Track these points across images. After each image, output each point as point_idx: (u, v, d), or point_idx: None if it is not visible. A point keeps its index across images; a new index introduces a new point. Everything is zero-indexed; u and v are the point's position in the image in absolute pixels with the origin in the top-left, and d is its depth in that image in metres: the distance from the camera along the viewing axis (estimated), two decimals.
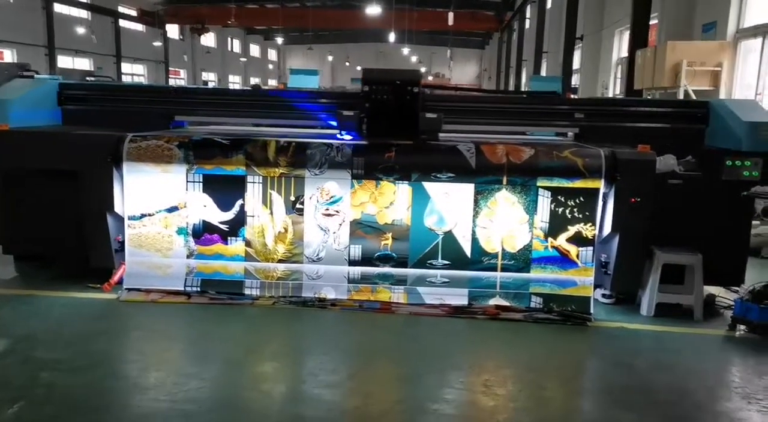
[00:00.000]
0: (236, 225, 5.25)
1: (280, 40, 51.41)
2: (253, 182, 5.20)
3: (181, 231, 5.27)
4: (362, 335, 4.76)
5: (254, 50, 59.01)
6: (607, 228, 5.12)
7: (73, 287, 5.37)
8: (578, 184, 5.03)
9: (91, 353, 4.17)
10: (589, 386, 4.10)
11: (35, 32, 30.41)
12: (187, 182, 5.21)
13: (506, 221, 5.13)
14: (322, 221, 5.21)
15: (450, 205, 5.14)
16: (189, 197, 5.23)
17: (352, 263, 5.24)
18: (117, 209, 5.28)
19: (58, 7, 32.04)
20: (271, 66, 60.84)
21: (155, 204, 5.25)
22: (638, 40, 11.57)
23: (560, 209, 5.08)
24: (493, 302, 5.18)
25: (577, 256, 5.12)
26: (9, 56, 29.55)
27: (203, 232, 5.27)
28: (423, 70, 50.48)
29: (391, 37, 37.08)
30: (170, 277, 5.30)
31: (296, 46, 60.24)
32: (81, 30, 32.51)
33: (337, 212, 5.20)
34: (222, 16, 36.67)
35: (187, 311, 5.04)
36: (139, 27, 38.79)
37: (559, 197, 5.07)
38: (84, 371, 3.90)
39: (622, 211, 5.05)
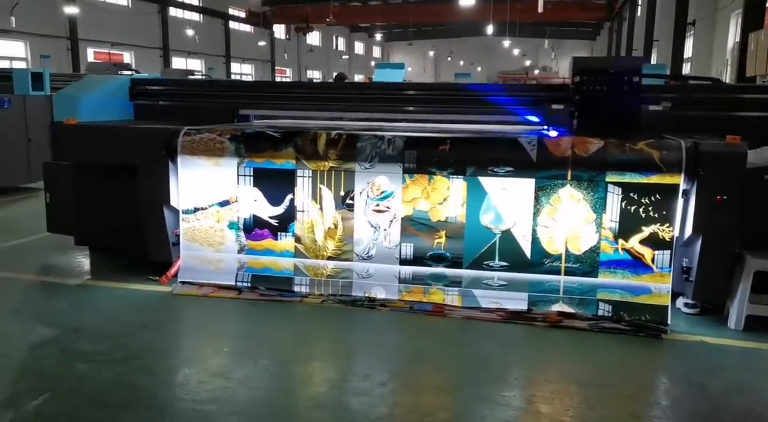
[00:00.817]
0: (286, 220, 5.12)
1: (378, 36, 51.64)
2: (303, 176, 5.04)
3: (232, 226, 5.20)
4: (407, 339, 4.49)
5: (358, 48, 59.71)
6: (689, 229, 4.55)
7: (135, 279, 5.43)
8: (654, 179, 4.50)
9: (130, 346, 4.14)
10: (648, 408, 3.61)
11: (152, 36, 32.11)
12: (238, 175, 5.13)
13: (571, 220, 4.68)
14: (373, 218, 4.97)
15: (508, 202, 4.76)
16: (240, 191, 5.14)
17: (403, 262, 4.97)
18: (173, 202, 5.28)
19: (173, 11, 33.69)
20: (373, 63, 61.32)
21: (208, 198, 5.21)
22: (752, 23, 10.49)
23: (633, 208, 4.57)
24: (555, 308, 4.75)
25: (653, 260, 4.59)
26: (128, 58, 31.42)
27: (254, 227, 5.17)
28: (528, 63, 49.33)
29: (489, 29, 36.16)
30: (222, 272, 5.24)
31: (400, 42, 60.37)
32: (188, 32, 33.95)
33: (388, 208, 4.94)
34: (325, 15, 37.22)
35: (235, 307, 4.95)
36: (247, 28, 40.16)
37: (632, 194, 4.56)
38: (118, 364, 3.87)
39: (705, 210, 4.48)
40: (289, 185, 5.06)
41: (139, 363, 3.92)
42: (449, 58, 56.24)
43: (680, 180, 4.46)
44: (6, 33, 24.99)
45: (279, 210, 5.12)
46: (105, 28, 28.99)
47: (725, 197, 4.43)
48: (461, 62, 56.14)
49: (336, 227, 5.04)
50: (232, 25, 38.49)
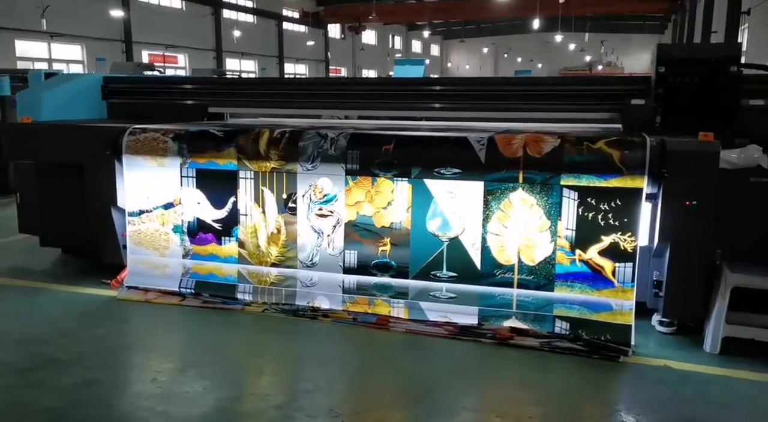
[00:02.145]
0: (229, 224, 4.86)
1: (426, 34, 51.04)
2: (245, 178, 4.76)
3: (177, 229, 4.98)
4: (341, 354, 4.15)
5: (416, 46, 59.25)
6: (656, 239, 4.04)
7: (90, 283, 5.30)
8: (614, 183, 4.01)
9: (39, 356, 3.95)
10: None
11: (205, 38, 32.67)
12: (182, 177, 4.89)
13: (523, 228, 4.23)
14: (316, 222, 4.65)
15: (456, 207, 4.34)
16: (183, 193, 4.91)
17: (347, 270, 4.63)
18: (120, 204, 5.10)
19: (226, 13, 34.19)
20: (427, 61, 60.61)
21: (152, 200, 5.00)
22: None
23: (590, 215, 4.08)
24: (507, 323, 4.31)
25: (613, 273, 4.09)
26: (182, 60, 32.10)
27: (198, 231, 4.94)
28: (588, 58, 47.71)
29: (536, 23, 35.08)
30: (167, 277, 5.03)
31: (458, 40, 59.66)
32: (241, 34, 34.34)
33: (331, 212, 4.60)
34: (379, 14, 36.99)
35: (175, 314, 4.73)
36: (301, 28, 40.38)
37: (589, 200, 4.07)
38: (11, 376, 3.68)
39: (672, 217, 3.96)
40: (232, 187, 4.80)
41: (34, 376, 3.70)
42: (505, 55, 55.09)
43: (643, 183, 3.95)
44: (62, 37, 25.87)
45: (222, 213, 4.87)
46: (159, 31, 29.65)
47: (695, 203, 3.89)
48: (519, 59, 54.96)
49: (279, 231, 4.75)
50: (286, 25, 38.77)
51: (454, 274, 4.41)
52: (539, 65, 53.75)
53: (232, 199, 4.81)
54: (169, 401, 3.41)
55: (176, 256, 5.00)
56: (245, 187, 4.77)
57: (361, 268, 4.59)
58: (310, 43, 40.62)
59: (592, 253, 4.12)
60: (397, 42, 55.90)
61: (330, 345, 4.24)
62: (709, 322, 4.09)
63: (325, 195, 4.60)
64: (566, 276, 4.19)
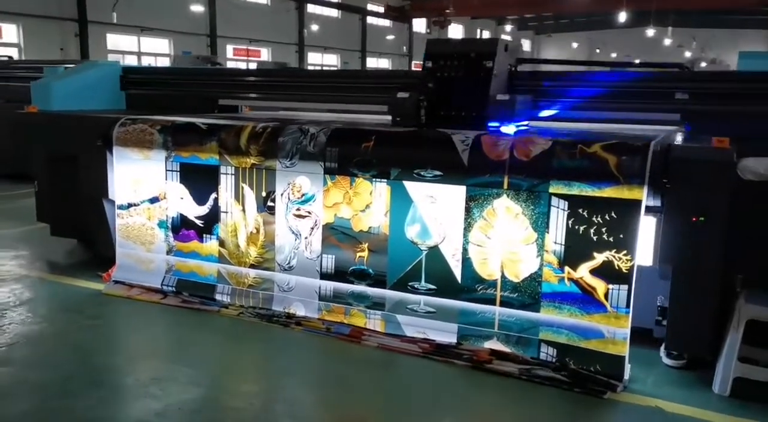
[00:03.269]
0: (211, 221, 4.65)
1: (508, 28, 49.50)
2: (226, 174, 4.54)
3: (162, 224, 4.83)
4: (292, 369, 3.84)
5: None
6: (656, 259, 3.51)
7: (87, 275, 5.23)
8: (609, 192, 3.49)
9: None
10: None
11: (289, 32, 33.11)
12: (167, 170, 4.73)
13: (507, 239, 3.78)
14: (294, 223, 4.36)
15: (436, 213, 3.94)
16: (168, 187, 4.75)
17: (324, 276, 4.31)
18: (111, 196, 5.00)
19: (310, 8, 34.51)
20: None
21: (140, 194, 4.87)
22: None
23: (582, 228, 3.58)
24: (488, 345, 3.87)
25: (606, 296, 3.57)
26: (265, 55, 32.68)
27: (181, 227, 4.76)
28: (687, 55, 45.08)
29: (622, 16, 33.27)
30: (152, 273, 4.89)
31: (553, 34, 57.91)
32: (324, 28, 34.56)
33: (309, 213, 4.30)
34: (462, 8, 36.29)
35: (150, 314, 4.57)
36: (385, 22, 40.25)
37: (581, 211, 3.57)
38: None
39: (675, 235, 3.41)
40: (213, 182, 4.59)
41: None
42: (597, 51, 52.91)
43: (642, 194, 3.42)
44: (151, 31, 26.86)
45: (204, 210, 4.67)
46: (244, 26, 30.26)
47: (702, 219, 3.33)
48: (613, 55, 52.64)
49: (258, 231, 4.49)
50: (370, 19, 38.74)
51: (433, 287, 4.01)
52: (637, 61, 51.26)
53: (214, 195, 4.60)
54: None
55: (161, 252, 4.85)
56: (226, 183, 4.54)
57: (339, 274, 4.27)
58: (390, 37, 40.37)
59: (583, 271, 3.61)
60: (485, 36, 54.84)
61: (288, 359, 3.94)
62: (720, 359, 3.51)
63: (303, 195, 4.31)
64: (553, 296, 3.71)
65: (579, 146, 3.58)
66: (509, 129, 4.20)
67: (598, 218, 3.53)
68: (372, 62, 39.76)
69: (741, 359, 3.42)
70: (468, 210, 3.85)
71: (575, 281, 3.64)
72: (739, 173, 3.44)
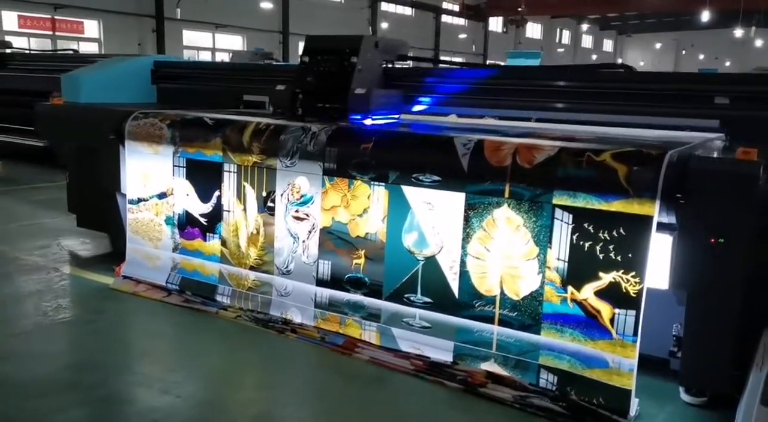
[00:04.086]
0: (214, 220, 4.53)
1: (585, 27, 47.80)
2: (229, 171, 4.40)
3: (168, 221, 4.74)
4: (274, 381, 3.65)
5: (586, 41, 56.19)
6: (669, 283, 3.12)
7: (102, 268, 5.22)
8: (617, 206, 3.13)
9: None
10: None
11: (360, 29, 33.14)
12: (174, 166, 4.64)
13: (507, 253, 3.46)
14: (293, 226, 4.18)
15: (434, 221, 3.67)
16: (175, 183, 4.66)
17: (320, 282, 4.11)
18: (124, 190, 4.97)
19: (384, 5, 34.48)
20: (594, 56, 56.96)
21: (149, 189, 4.80)
22: None
23: (587, 244, 3.23)
24: (485, 366, 3.57)
25: (612, 321, 3.21)
26: None
27: (186, 224, 4.66)
28: None
29: (705, 15, 31.51)
30: (158, 270, 4.81)
31: (635, 35, 55.86)
32: (397, 26, 34.42)
33: (307, 216, 4.11)
34: (540, 6, 35.43)
35: (150, 311, 4.50)
36: (459, 21, 39.79)
37: (586, 225, 3.22)
38: None
39: (691, 258, 3.02)
40: (217, 179, 4.46)
41: None
42: (683, 52, 50.55)
43: (654, 210, 3.04)
44: (226, 27, 27.45)
45: (208, 208, 4.55)
46: (316, 23, 30.49)
47: (721, 241, 2.93)
48: (701, 56, 50.23)
49: (258, 232, 4.34)
50: (444, 18, 38.38)
51: (429, 300, 3.74)
52: (727, 63, 48.73)
53: (217, 193, 4.47)
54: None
55: (167, 249, 4.77)
56: (229, 181, 4.41)
57: (335, 281, 4.05)
58: (462, 35, 39.85)
59: (588, 293, 3.26)
60: (565, 36, 53.41)
61: (274, 370, 3.76)
62: (741, 400, 3.08)
63: (302, 196, 4.11)
64: (555, 318, 3.37)
65: (587, 154, 3.23)
66: (368, 121, 4.47)
67: (605, 234, 3.17)
68: None
69: (764, 401, 2.99)
70: (467, 219, 3.55)
71: (579, 303, 3.29)
72: None
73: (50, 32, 22.74)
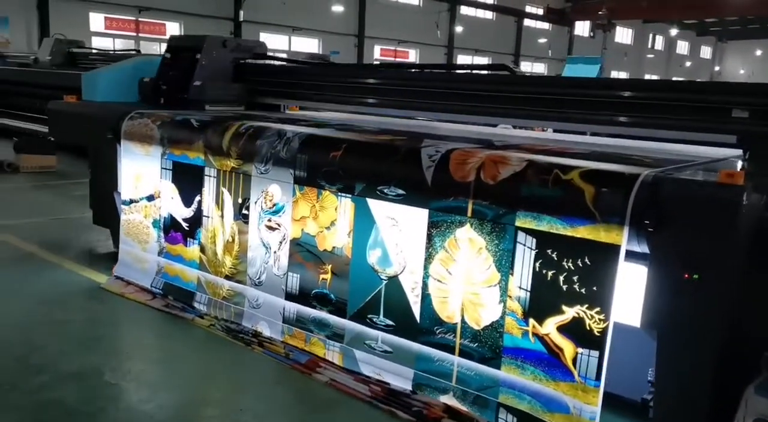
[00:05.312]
0: (195, 225, 4.41)
1: (674, 31, 45.34)
2: (209, 176, 4.26)
3: (155, 224, 4.67)
4: (217, 399, 3.46)
5: (682, 47, 53.55)
6: (639, 321, 2.73)
7: (104, 266, 5.22)
8: (583, 232, 2.76)
9: None
10: None
11: (439, 33, 32.87)
12: (161, 168, 4.55)
13: (469, 278, 3.14)
14: (265, 235, 3.99)
15: (397, 238, 3.39)
16: (162, 185, 4.57)
17: (288, 296, 3.90)
18: (120, 190, 4.93)
19: (464, 9, 34.01)
20: (688, 63, 54.10)
21: (139, 190, 4.74)
22: None
23: (550, 273, 2.87)
24: (444, 399, 3.26)
25: (574, 361, 2.84)
26: (413, 56, 32.70)
27: (171, 228, 4.56)
28: None
29: None
30: (145, 272, 4.75)
31: (735, 41, 52.88)
32: (476, 30, 33.87)
33: (279, 225, 3.91)
34: (627, 11, 33.98)
35: (132, 314, 4.42)
36: (543, 25, 38.77)
37: (550, 252, 2.87)
38: None
39: (661, 295, 2.62)
40: (199, 184, 4.33)
41: None
42: None
43: (622, 238, 2.65)
44: (302, 30, 27.80)
45: (190, 212, 4.43)
46: (392, 26, 30.47)
47: (696, 277, 2.51)
48: None
49: (233, 240, 4.17)
50: (527, 22, 37.48)
51: (392, 323, 3.46)
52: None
53: (198, 198, 4.35)
54: None
55: (154, 252, 4.69)
56: (209, 186, 4.27)
57: (303, 296, 3.84)
58: (542, 40, 38.72)
59: (550, 327, 2.90)
60: (659, 42, 51.12)
61: (225, 385, 3.58)
62: None
63: (274, 205, 3.92)
64: (516, 352, 3.02)
65: (554, 171, 2.87)
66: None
67: (569, 264, 2.81)
68: (526, 66, 38.48)
69: None
70: (430, 238, 3.25)
71: (541, 338, 2.93)
72: None
73: (134, 34, 23.68)
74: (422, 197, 3.25)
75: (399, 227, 3.36)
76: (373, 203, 3.45)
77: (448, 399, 3.24)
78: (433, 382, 3.30)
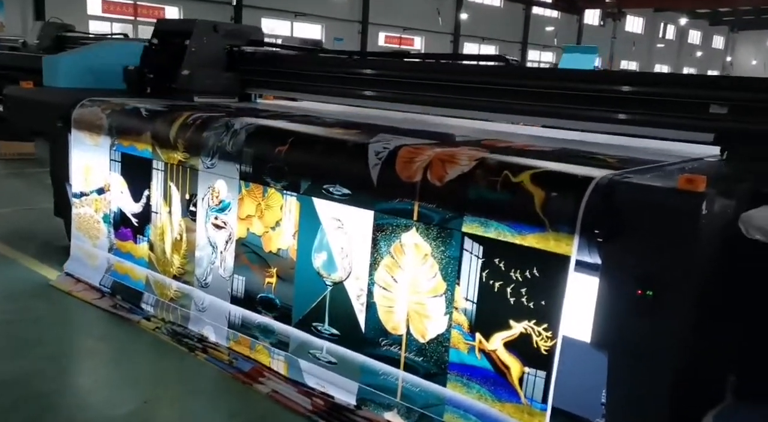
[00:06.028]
0: (143, 221, 4.16)
1: (683, 21, 44.54)
2: (157, 169, 4.02)
3: (106, 219, 4.43)
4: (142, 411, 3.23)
5: (693, 36, 52.70)
6: (589, 339, 2.47)
7: (60, 261, 4.98)
8: (531, 240, 2.50)
9: None
10: None
11: (445, 21, 32.39)
12: (110, 160, 4.31)
13: (414, 286, 2.89)
14: (212, 234, 3.74)
15: (342, 241, 3.13)
16: (111, 178, 4.33)
17: (234, 299, 3.66)
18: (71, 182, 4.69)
19: None
20: (699, 53, 53.24)
21: (90, 183, 4.50)
22: None
23: (498, 284, 2.62)
24: (388, 416, 3.02)
25: (520, 381, 2.58)
26: (418, 43, 32.22)
27: (120, 223, 4.32)
28: None
29: None
30: (95, 269, 4.52)
31: (748, 32, 52.01)
32: (483, 17, 33.42)
33: (225, 224, 3.66)
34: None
35: (72, 314, 4.20)
36: (552, 13, 38.20)
37: (497, 261, 2.61)
38: None
39: (613, 311, 2.36)
40: (147, 177, 4.08)
41: None
42: None
43: (571, 248, 2.39)
44: (305, 16, 27.43)
45: (139, 207, 4.18)
46: (397, 14, 30.05)
47: (650, 294, 2.25)
48: None
49: (181, 238, 3.93)
50: (535, 10, 36.91)
51: (337, 332, 3.21)
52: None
53: (146, 192, 4.10)
54: None
55: (104, 248, 4.46)
56: (157, 180, 4.03)
57: (248, 300, 3.59)
58: (549, 28, 38.14)
59: (497, 343, 2.65)
60: (670, 31, 50.32)
61: (159, 391, 3.35)
62: None
63: (220, 201, 3.67)
64: (462, 368, 2.77)
65: (504, 172, 2.60)
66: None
67: (517, 274, 2.55)
68: (534, 55, 38.02)
69: None
70: (375, 243, 3.00)
71: (487, 355, 2.68)
72: (742, 229, 2.29)
73: (132, 17, 23.38)
74: (368, 198, 2.99)
75: (344, 230, 3.11)
76: (318, 203, 3.19)
77: (392, 417, 3.00)
78: (377, 397, 3.06)
